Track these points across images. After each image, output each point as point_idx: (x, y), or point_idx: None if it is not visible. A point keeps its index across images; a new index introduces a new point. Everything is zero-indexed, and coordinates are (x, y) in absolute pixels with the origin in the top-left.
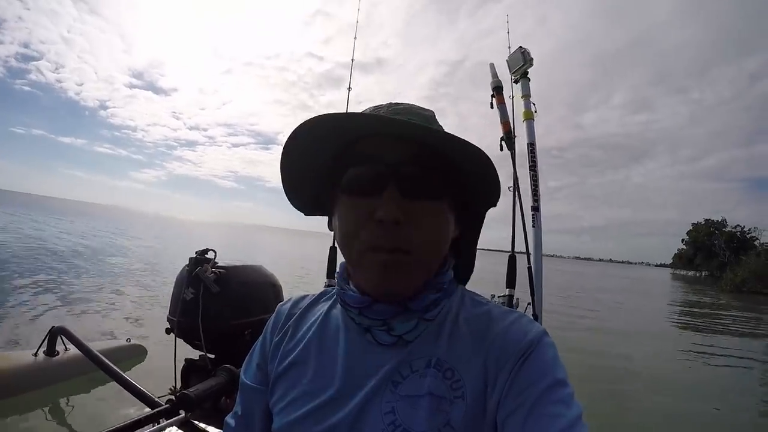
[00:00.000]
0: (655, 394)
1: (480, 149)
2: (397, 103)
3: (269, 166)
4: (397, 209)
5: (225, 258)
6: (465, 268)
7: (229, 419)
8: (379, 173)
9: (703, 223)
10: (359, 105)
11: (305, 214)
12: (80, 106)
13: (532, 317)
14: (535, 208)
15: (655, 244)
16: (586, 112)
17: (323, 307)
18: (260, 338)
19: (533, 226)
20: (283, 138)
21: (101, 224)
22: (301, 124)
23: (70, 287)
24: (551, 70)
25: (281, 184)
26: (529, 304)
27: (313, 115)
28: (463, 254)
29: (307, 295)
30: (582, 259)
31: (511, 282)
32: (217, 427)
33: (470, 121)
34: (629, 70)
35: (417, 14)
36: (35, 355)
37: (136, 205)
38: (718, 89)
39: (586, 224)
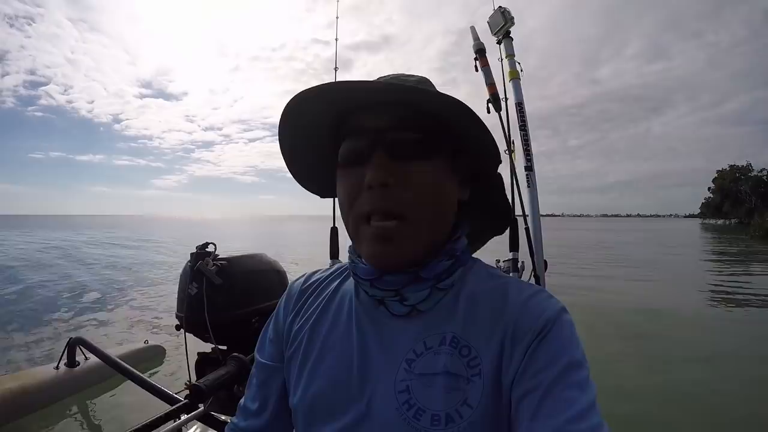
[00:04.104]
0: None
1: (456, 99)
2: (385, 75)
3: None
4: (384, 172)
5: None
6: (496, 220)
7: (243, 401)
8: (366, 140)
9: (728, 169)
10: None
11: (321, 197)
12: (94, 123)
13: (534, 279)
14: (529, 168)
15: (683, 195)
16: (602, 66)
17: (335, 282)
18: (273, 315)
19: (528, 187)
20: None
21: (131, 233)
22: (286, 110)
23: (90, 296)
24: (561, 28)
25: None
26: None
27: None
28: (482, 210)
29: (319, 270)
30: (610, 216)
31: (514, 245)
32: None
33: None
34: (640, 17)
35: None
36: (57, 368)
37: (166, 210)
38: (734, 29)
39: (611, 180)
